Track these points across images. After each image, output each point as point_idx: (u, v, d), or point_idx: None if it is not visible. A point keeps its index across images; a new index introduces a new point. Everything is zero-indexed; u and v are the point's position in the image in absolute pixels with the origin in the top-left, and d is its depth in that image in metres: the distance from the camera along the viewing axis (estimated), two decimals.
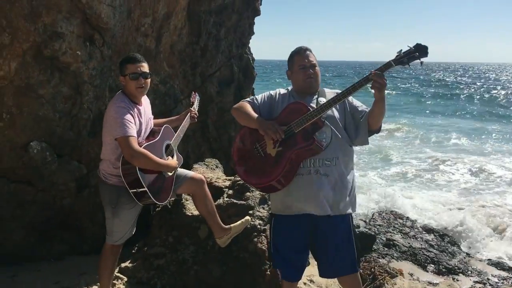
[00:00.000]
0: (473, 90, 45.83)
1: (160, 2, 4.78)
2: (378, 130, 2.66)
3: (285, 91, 2.81)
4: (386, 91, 2.52)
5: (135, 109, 2.98)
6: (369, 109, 2.63)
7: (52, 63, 3.79)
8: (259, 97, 2.83)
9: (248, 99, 2.84)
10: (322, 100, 2.63)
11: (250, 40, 7.59)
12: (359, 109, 2.68)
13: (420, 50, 2.41)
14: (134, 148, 2.80)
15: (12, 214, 4.20)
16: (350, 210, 2.71)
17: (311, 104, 2.62)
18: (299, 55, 2.71)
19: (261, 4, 7.36)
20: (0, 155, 3.91)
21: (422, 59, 2.43)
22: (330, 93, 2.73)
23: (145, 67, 2.99)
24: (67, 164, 4.25)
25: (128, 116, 2.85)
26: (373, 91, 2.46)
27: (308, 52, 2.71)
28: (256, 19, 7.38)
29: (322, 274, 2.84)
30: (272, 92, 2.84)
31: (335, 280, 3.84)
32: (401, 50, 2.44)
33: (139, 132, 2.99)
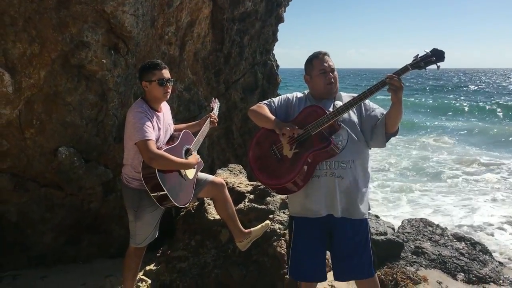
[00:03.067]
0: None
1: (184, 11, 4.88)
2: (395, 133, 2.63)
3: (302, 95, 2.81)
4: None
5: (154, 115, 3.04)
6: (386, 111, 2.61)
7: (79, 71, 3.93)
8: (276, 99, 2.83)
9: (265, 101, 2.85)
10: (339, 104, 2.62)
11: (277, 47, 7.65)
12: (376, 111, 2.66)
13: (437, 55, 2.39)
14: (153, 151, 2.85)
15: (42, 217, 4.36)
16: (366, 214, 2.69)
17: (329, 109, 2.60)
18: (318, 60, 2.68)
19: (284, 11, 7.40)
20: (31, 160, 4.07)
21: (438, 64, 2.41)
22: (346, 96, 2.71)
23: (168, 73, 3.07)
24: (94, 169, 4.38)
25: (146, 121, 2.90)
26: (390, 94, 2.44)
27: (327, 56, 2.68)
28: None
29: (338, 277, 2.82)
30: (289, 96, 2.83)
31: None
32: (417, 54, 2.43)
33: (158, 138, 3.04)
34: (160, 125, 3.07)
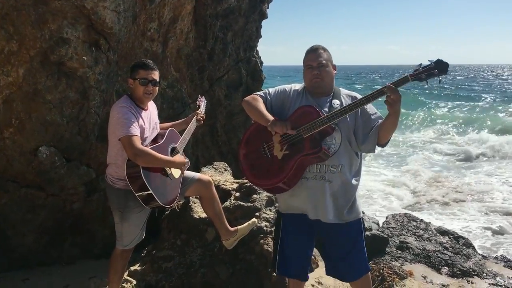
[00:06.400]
0: None
1: (166, 6, 4.80)
2: (384, 145, 2.58)
3: (300, 88, 2.72)
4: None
5: (140, 112, 2.98)
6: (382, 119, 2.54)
7: (59, 69, 3.84)
8: (272, 91, 2.75)
9: (260, 92, 2.77)
10: (336, 102, 2.57)
11: (258, 44, 7.60)
12: (372, 117, 2.58)
13: (440, 67, 2.29)
14: (137, 147, 2.78)
15: (23, 218, 4.25)
16: (356, 216, 2.67)
17: (324, 109, 2.55)
18: (309, 54, 2.63)
19: (268, 8, 7.36)
20: (10, 160, 3.97)
21: (441, 78, 2.32)
22: (345, 95, 2.65)
23: (155, 74, 3.01)
24: (76, 169, 4.28)
25: (131, 116, 2.85)
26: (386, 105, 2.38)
27: (320, 51, 2.60)
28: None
29: (331, 275, 2.84)
30: (287, 88, 2.74)
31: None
32: (420, 64, 2.33)
33: (144, 136, 2.97)
34: (146, 123, 3.01)
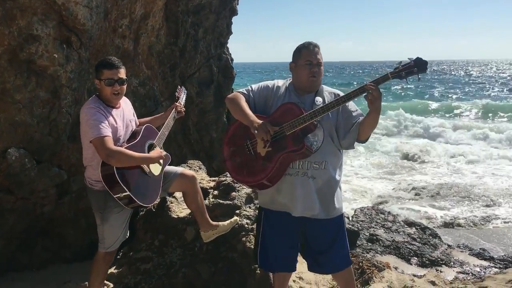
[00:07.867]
0: None
1: (137, 2, 4.70)
2: (364, 141, 2.65)
3: (284, 84, 2.74)
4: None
5: (110, 111, 2.88)
6: (363, 116, 2.60)
7: (29, 67, 3.68)
8: (255, 87, 2.76)
9: (243, 90, 2.77)
10: (319, 99, 2.61)
11: (229, 41, 7.58)
12: (354, 114, 2.62)
13: (420, 65, 2.36)
14: (109, 148, 2.69)
15: None
16: (340, 210, 2.73)
17: (307, 106, 2.58)
18: (308, 50, 2.62)
19: (238, 4, 7.33)
20: None
21: (420, 75, 2.39)
22: (328, 92, 2.70)
23: (121, 73, 2.89)
24: (47, 170, 4.13)
25: (100, 117, 2.75)
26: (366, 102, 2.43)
27: (317, 49, 2.63)
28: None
29: (316, 271, 2.88)
30: (270, 84, 2.76)
31: (324, 276, 3.87)
32: (401, 62, 2.40)
33: (117, 135, 2.88)
34: (118, 122, 2.92)
